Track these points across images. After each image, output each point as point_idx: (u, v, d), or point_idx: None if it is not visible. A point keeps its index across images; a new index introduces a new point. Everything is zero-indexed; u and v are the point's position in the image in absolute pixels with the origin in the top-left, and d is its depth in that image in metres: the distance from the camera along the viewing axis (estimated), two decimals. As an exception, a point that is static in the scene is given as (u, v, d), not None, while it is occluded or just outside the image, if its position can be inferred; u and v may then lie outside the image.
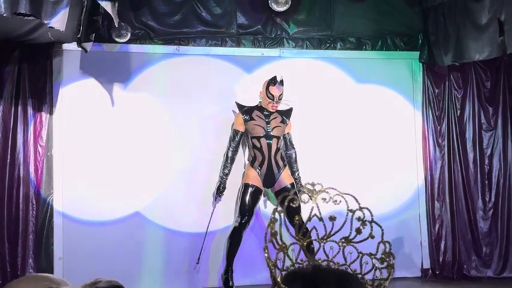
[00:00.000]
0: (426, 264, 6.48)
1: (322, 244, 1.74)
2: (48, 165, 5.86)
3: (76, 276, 3.57)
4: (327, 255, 1.71)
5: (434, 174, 6.58)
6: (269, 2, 6.23)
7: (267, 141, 5.80)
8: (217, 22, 6.37)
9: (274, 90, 5.76)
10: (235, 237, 5.71)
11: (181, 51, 6.28)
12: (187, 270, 5.99)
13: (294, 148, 6.01)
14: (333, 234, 1.76)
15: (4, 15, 4.04)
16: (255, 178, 5.83)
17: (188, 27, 6.31)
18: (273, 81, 5.78)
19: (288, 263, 1.67)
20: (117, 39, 5.94)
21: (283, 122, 5.89)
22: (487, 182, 6.58)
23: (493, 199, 6.56)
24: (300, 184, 5.87)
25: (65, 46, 5.86)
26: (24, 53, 5.77)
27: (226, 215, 6.02)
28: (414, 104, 6.66)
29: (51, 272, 5.78)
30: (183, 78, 6.20)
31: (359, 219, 1.75)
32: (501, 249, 6.49)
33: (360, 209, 1.73)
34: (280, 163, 5.84)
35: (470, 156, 6.60)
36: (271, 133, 5.80)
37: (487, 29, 5.76)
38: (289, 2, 6.21)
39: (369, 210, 1.77)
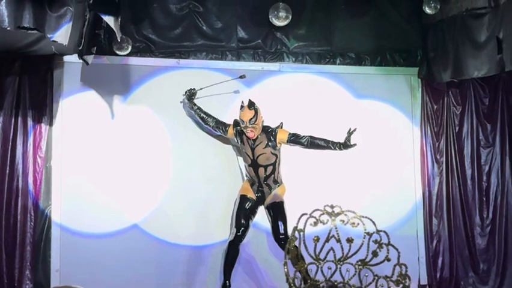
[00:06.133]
0: (424, 281, 6.48)
1: (339, 266, 1.74)
2: (47, 176, 5.86)
3: (74, 289, 3.58)
4: (343, 277, 1.72)
5: (432, 190, 6.60)
6: (270, 16, 6.24)
7: (254, 169, 5.78)
8: (218, 36, 6.40)
9: (242, 115, 5.70)
10: (231, 250, 5.69)
11: (181, 64, 6.30)
12: (185, 284, 5.99)
13: (304, 137, 5.72)
14: (350, 256, 1.77)
15: (8, 28, 4.04)
16: (251, 191, 5.83)
17: (189, 40, 6.33)
18: (241, 107, 5.75)
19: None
20: (118, 52, 5.94)
21: (267, 146, 5.73)
22: (484, 198, 6.60)
23: (490, 216, 6.58)
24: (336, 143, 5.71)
25: (66, 58, 5.87)
26: (25, 65, 5.78)
27: (225, 228, 6.00)
28: (412, 119, 6.68)
29: (48, 284, 5.77)
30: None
31: (375, 241, 1.75)
32: (498, 266, 6.51)
33: (377, 232, 1.73)
34: (272, 185, 5.81)
35: (468, 172, 6.63)
36: (258, 162, 5.75)
37: (485, 46, 5.79)
38: (290, 17, 6.23)
39: (386, 233, 1.78)
